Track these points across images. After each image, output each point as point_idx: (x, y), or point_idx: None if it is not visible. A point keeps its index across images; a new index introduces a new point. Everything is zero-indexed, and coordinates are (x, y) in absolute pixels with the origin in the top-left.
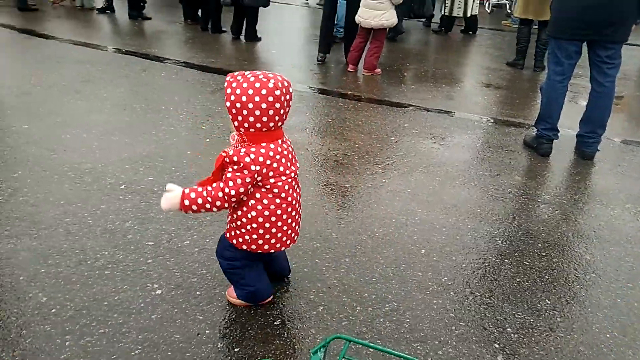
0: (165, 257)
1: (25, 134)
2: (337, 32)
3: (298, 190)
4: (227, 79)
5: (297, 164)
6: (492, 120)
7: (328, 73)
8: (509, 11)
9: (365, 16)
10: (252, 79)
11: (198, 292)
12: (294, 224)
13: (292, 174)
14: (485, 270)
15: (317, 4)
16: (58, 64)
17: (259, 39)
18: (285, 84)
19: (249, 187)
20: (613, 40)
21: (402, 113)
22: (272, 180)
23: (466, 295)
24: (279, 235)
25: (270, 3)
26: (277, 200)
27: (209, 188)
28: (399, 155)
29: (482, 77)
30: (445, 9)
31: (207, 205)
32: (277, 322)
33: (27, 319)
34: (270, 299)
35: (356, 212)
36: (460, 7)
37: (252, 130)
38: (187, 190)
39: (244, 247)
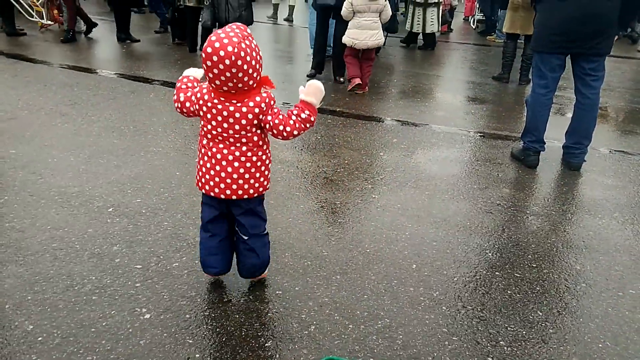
0: (154, 280)
1: (11, 159)
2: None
3: (224, 151)
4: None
5: (244, 129)
6: (479, 134)
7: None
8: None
9: (361, 37)
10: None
11: (187, 315)
12: (207, 175)
13: (211, 129)
14: (477, 284)
15: (285, 19)
16: (45, 87)
17: None
18: (220, 52)
19: (192, 97)
20: (597, 52)
21: (391, 128)
22: (201, 122)
23: (458, 309)
24: (200, 174)
25: (254, 22)
26: (204, 141)
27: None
28: (388, 170)
29: (469, 91)
30: (407, 24)
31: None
32: (269, 344)
33: (12, 348)
34: (216, 276)
35: (346, 229)
36: (419, 24)
37: None
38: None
39: None
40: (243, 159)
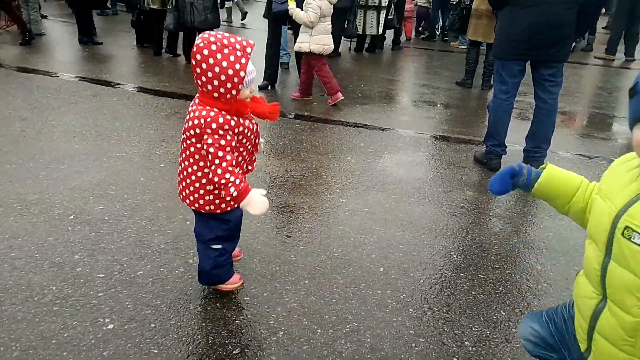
0: (117, 289)
1: None
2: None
3: (183, 155)
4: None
5: (188, 132)
6: (443, 138)
7: (283, 95)
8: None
9: (329, 42)
10: None
11: (152, 325)
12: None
13: (183, 134)
14: (442, 285)
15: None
16: (4, 91)
17: None
18: (195, 42)
19: None
20: (556, 59)
21: (358, 133)
22: None
23: (424, 311)
24: None
25: (221, 25)
26: None
27: None
28: (356, 174)
29: (434, 96)
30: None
31: None
32: (237, 352)
33: None
34: None
35: (314, 233)
36: (359, 25)
37: None
38: None
39: None
40: (185, 163)
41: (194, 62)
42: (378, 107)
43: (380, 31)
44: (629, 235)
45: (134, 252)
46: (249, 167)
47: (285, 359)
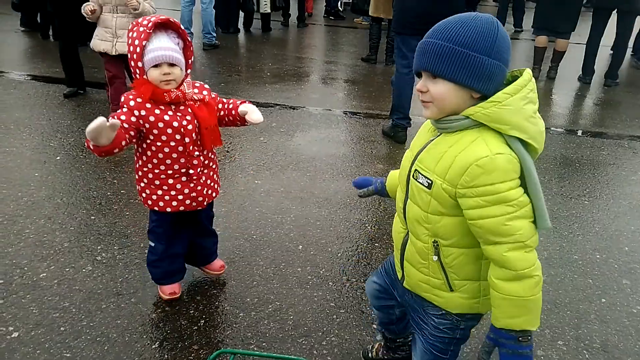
0: (19, 294)
1: None
2: (208, 40)
3: None
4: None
5: None
6: (353, 114)
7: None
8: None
9: None
10: None
11: (62, 328)
12: None
13: None
14: (359, 257)
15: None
16: None
17: None
18: None
19: None
20: None
21: (269, 113)
22: None
23: (343, 283)
24: None
25: None
26: None
27: None
28: (269, 155)
29: (341, 73)
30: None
31: None
32: (155, 346)
33: None
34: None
35: (231, 217)
36: (253, 4)
37: None
38: None
39: None
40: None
41: None
42: (287, 85)
43: (269, 10)
44: (416, 176)
45: (34, 253)
46: (190, 172)
47: (207, 347)
